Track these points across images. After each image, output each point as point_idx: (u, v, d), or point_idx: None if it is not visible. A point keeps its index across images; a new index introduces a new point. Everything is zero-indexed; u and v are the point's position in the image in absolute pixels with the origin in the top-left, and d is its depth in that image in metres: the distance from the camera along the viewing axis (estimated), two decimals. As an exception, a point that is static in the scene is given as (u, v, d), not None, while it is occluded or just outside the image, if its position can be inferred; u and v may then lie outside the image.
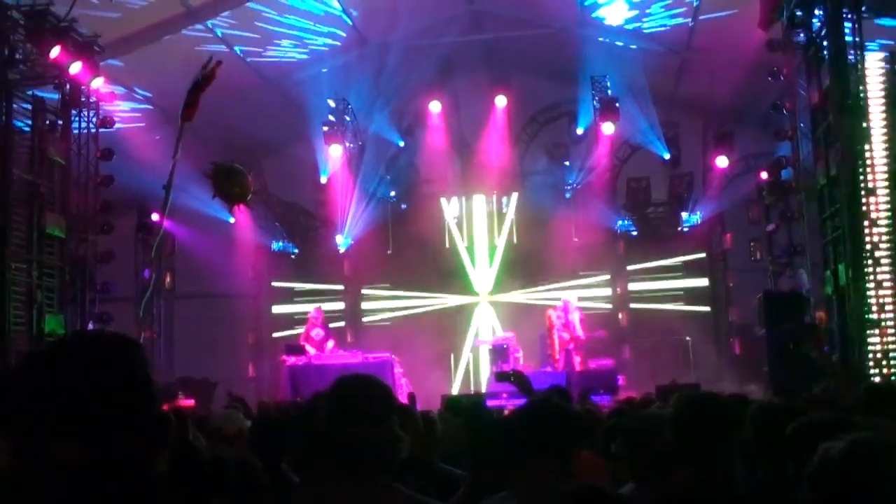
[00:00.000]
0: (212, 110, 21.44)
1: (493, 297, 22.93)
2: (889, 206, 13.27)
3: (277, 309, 23.98)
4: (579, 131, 23.08)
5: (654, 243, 23.07)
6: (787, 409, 4.46)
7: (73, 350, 1.65)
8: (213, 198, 9.16)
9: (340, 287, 23.84)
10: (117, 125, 18.09)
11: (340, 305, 23.56)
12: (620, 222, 22.81)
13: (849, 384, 7.43)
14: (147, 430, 1.63)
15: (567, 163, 23.40)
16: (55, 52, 14.88)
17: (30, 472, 1.54)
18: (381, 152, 23.95)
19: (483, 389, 19.44)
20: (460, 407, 6.35)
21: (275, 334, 23.56)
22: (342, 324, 22.99)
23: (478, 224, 23.36)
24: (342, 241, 23.57)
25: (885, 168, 13.31)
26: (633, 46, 21.74)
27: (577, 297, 19.90)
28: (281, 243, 24.24)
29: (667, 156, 22.42)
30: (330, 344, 18.82)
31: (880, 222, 13.23)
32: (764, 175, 19.95)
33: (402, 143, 23.72)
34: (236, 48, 20.32)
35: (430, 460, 5.02)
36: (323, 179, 23.36)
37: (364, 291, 23.94)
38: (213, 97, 21.23)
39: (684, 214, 22.81)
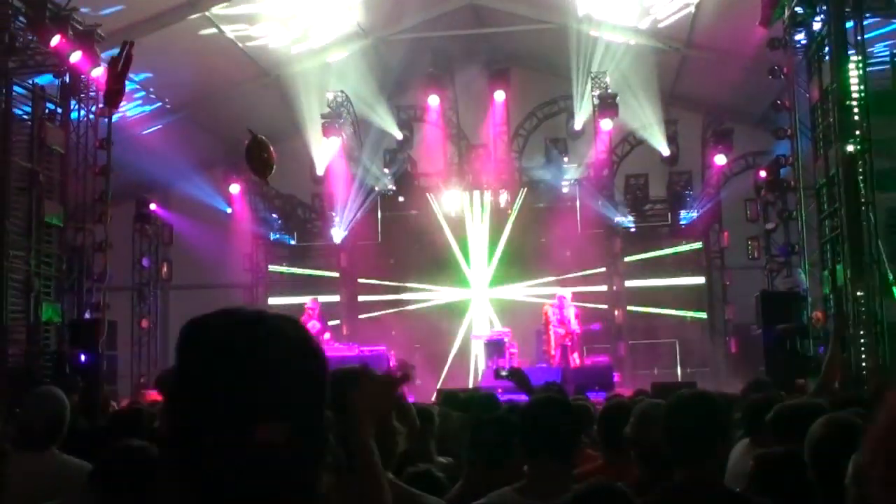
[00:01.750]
0: (210, 101, 21.60)
1: (489, 292, 22.92)
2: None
3: (274, 300, 23.96)
4: (578, 127, 23.08)
5: (651, 240, 23.10)
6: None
7: (273, 328, 1.57)
8: (247, 160, 9.55)
9: (336, 279, 23.83)
10: (118, 114, 18.03)
11: (336, 298, 23.54)
12: (618, 219, 22.81)
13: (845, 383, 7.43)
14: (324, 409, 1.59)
15: (565, 158, 23.38)
16: (55, 40, 14.83)
17: (222, 453, 1.48)
18: (379, 145, 23.95)
19: (478, 384, 19.45)
20: (469, 402, 6.35)
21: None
22: (338, 316, 22.97)
23: (475, 218, 23.35)
24: (339, 234, 23.57)
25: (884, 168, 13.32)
26: (633, 42, 21.74)
27: (572, 293, 19.88)
28: (278, 235, 24.23)
29: (666, 152, 22.39)
30: (326, 336, 18.82)
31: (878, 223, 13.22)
32: (762, 174, 19.94)
33: (400, 137, 23.70)
34: (236, 39, 20.29)
35: (427, 452, 5.02)
36: (320, 171, 23.34)
37: (360, 284, 23.92)
38: (212, 88, 21.38)
39: (682, 212, 22.81)
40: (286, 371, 1.53)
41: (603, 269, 22.91)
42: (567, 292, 19.61)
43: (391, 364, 18.00)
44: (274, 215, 24.04)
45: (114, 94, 8.80)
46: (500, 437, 3.90)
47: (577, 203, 23.18)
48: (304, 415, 1.54)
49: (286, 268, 24.46)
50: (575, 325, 18.68)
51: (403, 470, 3.59)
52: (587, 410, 6.11)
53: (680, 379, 20.58)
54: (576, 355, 18.65)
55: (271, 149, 9.89)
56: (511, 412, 4.45)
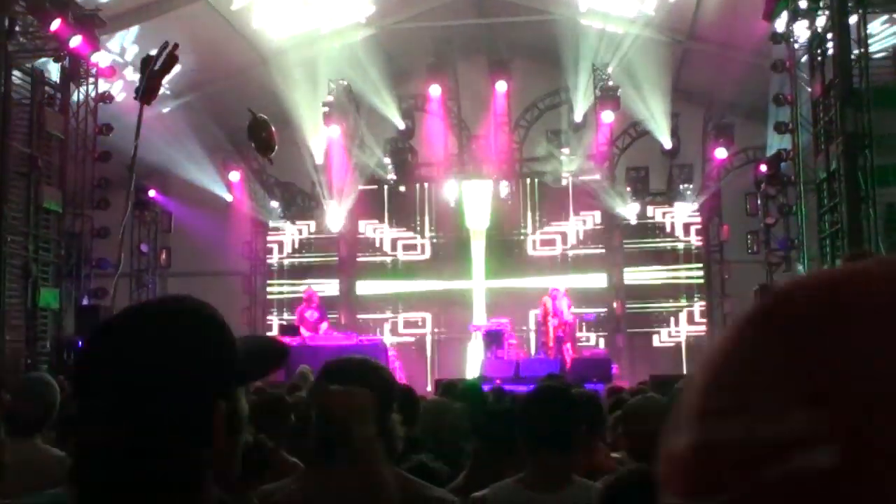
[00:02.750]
0: (212, 87, 21.53)
1: (488, 283, 22.90)
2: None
3: (272, 289, 23.94)
4: (579, 119, 23.02)
5: (650, 233, 23.08)
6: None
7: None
8: (249, 139, 9.65)
9: (335, 268, 23.81)
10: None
11: (335, 287, 23.52)
12: (619, 210, 22.79)
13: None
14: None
15: (566, 150, 23.33)
16: (55, 24, 14.78)
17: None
18: (380, 134, 23.88)
19: (477, 374, 19.45)
20: (458, 391, 6.35)
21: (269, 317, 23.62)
22: (336, 305, 22.95)
23: (475, 209, 23.30)
24: (338, 223, 23.55)
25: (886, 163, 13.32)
26: (636, 34, 21.68)
27: (570, 284, 19.88)
28: (277, 223, 24.18)
29: (667, 145, 22.32)
30: (324, 325, 18.77)
31: (879, 218, 13.23)
32: (763, 168, 19.93)
33: (402, 126, 23.63)
34: (237, 25, 20.24)
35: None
36: (320, 160, 23.32)
37: (359, 273, 23.89)
38: (213, 74, 21.26)
39: (682, 205, 22.78)
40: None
41: (602, 261, 22.91)
42: (560, 283, 19.63)
43: (389, 354, 17.98)
44: (273, 203, 24.00)
45: (148, 91, 8.71)
46: (505, 428, 3.89)
47: (577, 194, 23.13)
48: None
49: (285, 257, 24.41)
50: (568, 315, 18.70)
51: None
52: (596, 403, 5.43)
53: (678, 372, 20.58)
54: (569, 346, 18.65)
55: (271, 128, 9.90)
56: (516, 403, 4.44)
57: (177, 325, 1.53)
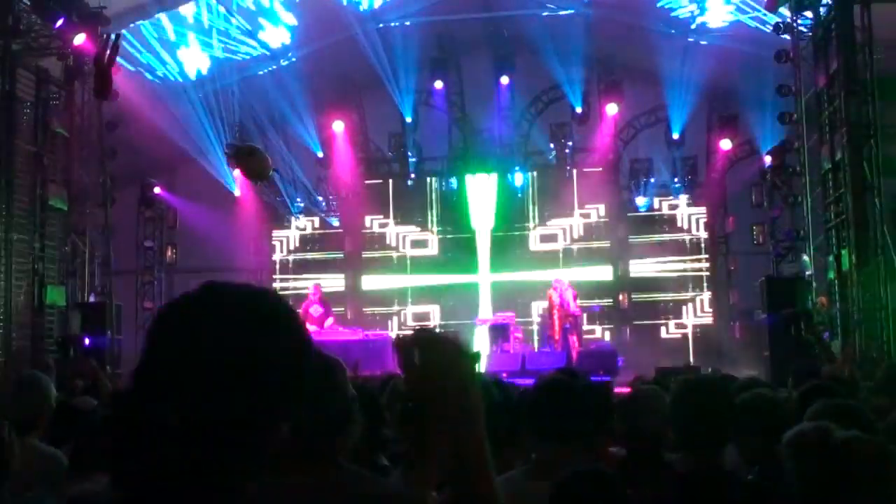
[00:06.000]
0: (219, 84, 21.49)
1: (493, 277, 22.91)
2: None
3: (278, 285, 23.96)
4: (583, 112, 23.00)
5: (656, 225, 23.06)
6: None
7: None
8: (234, 174, 9.59)
9: (341, 263, 23.83)
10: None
11: (340, 282, 23.55)
12: (624, 203, 22.77)
13: (848, 368, 7.46)
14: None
15: (570, 143, 23.32)
16: (59, 23, 14.79)
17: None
18: (384, 129, 23.89)
19: (482, 368, 19.45)
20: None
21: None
22: (342, 300, 22.98)
23: (480, 202, 23.31)
24: (343, 218, 23.57)
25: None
26: (640, 26, 21.64)
27: (576, 277, 19.89)
28: (283, 219, 24.21)
29: (672, 136, 22.31)
30: (329, 321, 18.79)
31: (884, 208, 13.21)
32: (768, 159, 19.89)
33: (407, 120, 23.61)
34: (243, 23, 20.26)
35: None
36: (325, 155, 23.34)
37: (364, 268, 23.91)
38: (219, 70, 21.16)
39: (687, 197, 22.76)
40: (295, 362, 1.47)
41: (608, 254, 22.91)
42: (564, 275, 19.65)
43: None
44: (279, 199, 24.02)
45: (102, 87, 8.67)
46: (511, 420, 3.89)
47: (582, 187, 23.12)
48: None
49: (290, 252, 24.44)
50: (573, 306, 18.71)
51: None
52: (602, 395, 5.20)
53: (684, 363, 20.57)
54: (575, 338, 18.66)
55: (257, 156, 9.76)
56: (523, 396, 4.45)
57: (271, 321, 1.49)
